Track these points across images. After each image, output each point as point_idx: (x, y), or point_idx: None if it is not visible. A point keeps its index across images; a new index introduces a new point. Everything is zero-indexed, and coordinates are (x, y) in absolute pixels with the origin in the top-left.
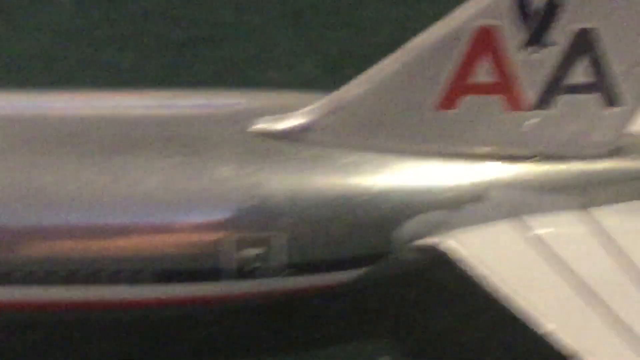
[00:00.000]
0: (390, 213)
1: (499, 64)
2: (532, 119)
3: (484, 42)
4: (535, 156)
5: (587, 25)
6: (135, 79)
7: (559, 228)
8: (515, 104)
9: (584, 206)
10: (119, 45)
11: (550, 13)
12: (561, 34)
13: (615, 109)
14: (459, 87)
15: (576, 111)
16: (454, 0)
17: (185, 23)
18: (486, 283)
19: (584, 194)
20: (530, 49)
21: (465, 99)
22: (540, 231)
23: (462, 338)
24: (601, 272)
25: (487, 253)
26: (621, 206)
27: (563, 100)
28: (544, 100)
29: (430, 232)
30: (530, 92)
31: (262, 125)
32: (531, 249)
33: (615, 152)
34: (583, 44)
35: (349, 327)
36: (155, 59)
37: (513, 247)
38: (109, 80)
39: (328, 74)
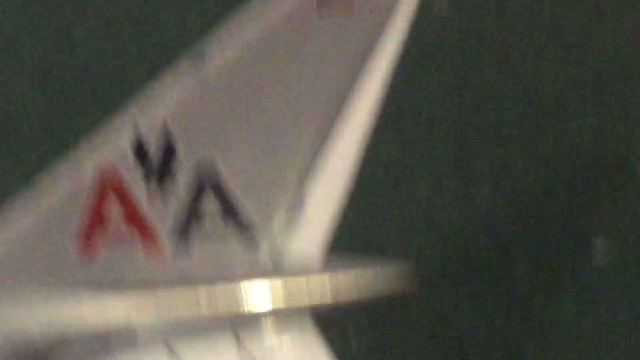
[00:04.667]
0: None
1: (127, 208)
2: (175, 266)
3: (107, 186)
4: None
5: (205, 172)
6: None
7: (214, 357)
8: (152, 245)
9: (238, 342)
10: None
11: (167, 154)
12: (183, 174)
13: (255, 249)
14: (92, 233)
15: (217, 254)
16: None
17: None
18: None
19: (239, 325)
20: (154, 189)
21: (101, 243)
22: None
23: None
24: None
25: None
26: (271, 342)
27: (202, 245)
28: (184, 247)
29: None
30: (166, 232)
31: None
32: None
33: None
34: (205, 190)
35: None
36: None
37: None
38: None
39: None
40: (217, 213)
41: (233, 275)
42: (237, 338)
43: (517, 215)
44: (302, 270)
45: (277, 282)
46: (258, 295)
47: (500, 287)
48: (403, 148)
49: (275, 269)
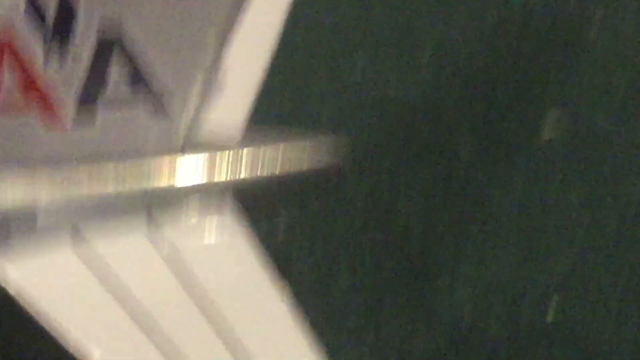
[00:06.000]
0: None
1: (25, 80)
2: (77, 137)
3: (2, 56)
4: None
5: (109, 34)
6: None
7: (119, 245)
8: (53, 122)
9: (150, 223)
10: None
11: (65, 11)
12: (84, 34)
13: (166, 118)
14: None
15: (124, 124)
16: None
17: None
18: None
19: (153, 204)
20: (54, 60)
21: None
22: (100, 249)
23: None
24: (161, 293)
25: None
26: (188, 223)
27: (107, 114)
28: (86, 116)
29: None
30: (67, 108)
31: None
32: (86, 268)
33: None
34: (109, 53)
35: None
36: None
37: (67, 267)
38: None
39: None
40: (124, 78)
41: (144, 148)
42: (151, 219)
43: (460, 86)
44: (221, 143)
45: (193, 157)
46: (172, 171)
47: (440, 163)
48: (339, 14)
49: (192, 142)
